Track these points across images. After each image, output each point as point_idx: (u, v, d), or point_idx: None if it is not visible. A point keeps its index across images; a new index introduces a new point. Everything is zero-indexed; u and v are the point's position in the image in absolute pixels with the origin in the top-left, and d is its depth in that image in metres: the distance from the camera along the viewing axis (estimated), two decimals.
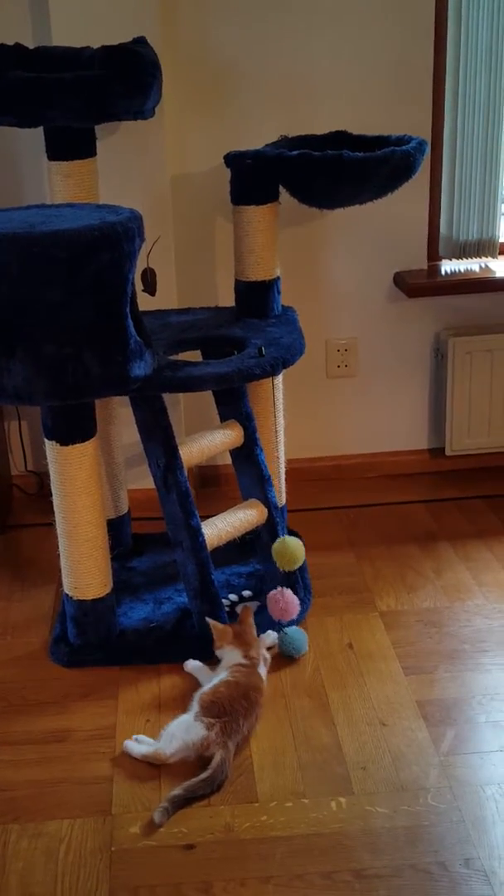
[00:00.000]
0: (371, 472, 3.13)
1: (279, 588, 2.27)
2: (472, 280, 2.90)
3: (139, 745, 1.99)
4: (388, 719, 2.07)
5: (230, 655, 2.14)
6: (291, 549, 2.29)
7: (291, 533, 2.70)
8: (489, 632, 2.35)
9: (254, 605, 2.42)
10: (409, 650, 2.29)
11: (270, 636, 2.28)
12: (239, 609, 2.36)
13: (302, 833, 1.79)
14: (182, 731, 1.95)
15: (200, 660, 2.23)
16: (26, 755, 2.01)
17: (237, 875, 1.71)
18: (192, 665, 2.21)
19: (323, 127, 2.55)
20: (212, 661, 2.20)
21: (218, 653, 2.17)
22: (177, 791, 1.86)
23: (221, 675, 2.09)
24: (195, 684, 2.14)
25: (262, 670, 2.13)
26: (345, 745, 2.00)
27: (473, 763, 1.94)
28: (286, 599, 2.25)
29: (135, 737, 2.01)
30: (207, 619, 2.22)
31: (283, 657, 2.26)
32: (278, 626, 2.28)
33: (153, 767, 1.95)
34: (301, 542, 2.32)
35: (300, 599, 2.39)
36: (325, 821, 1.82)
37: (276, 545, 2.30)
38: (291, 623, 2.29)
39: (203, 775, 1.88)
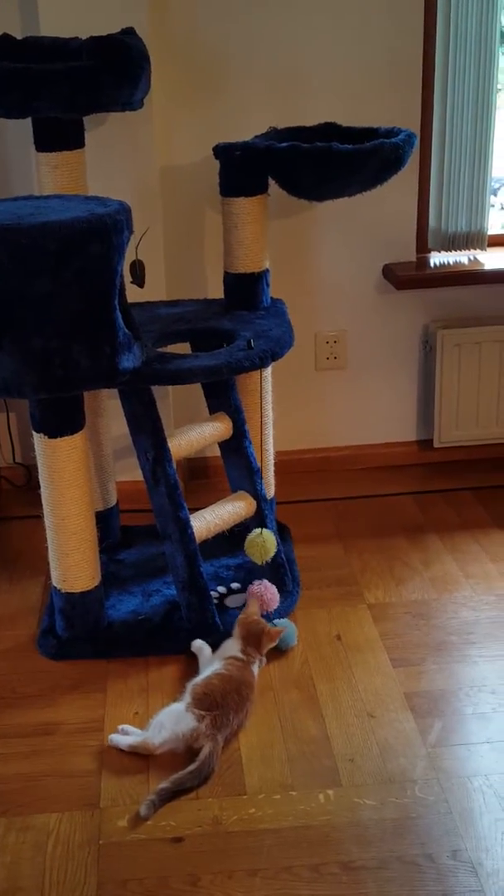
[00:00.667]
0: (359, 464, 3.14)
1: (261, 581, 2.28)
2: (461, 272, 2.90)
3: (125, 737, 1.99)
4: (375, 711, 2.08)
5: (229, 645, 2.14)
6: (266, 540, 2.29)
7: (280, 525, 2.71)
8: (476, 623, 2.36)
9: (241, 597, 2.43)
10: (397, 642, 2.30)
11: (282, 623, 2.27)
12: (233, 601, 2.37)
13: (290, 825, 1.80)
14: (172, 722, 1.95)
15: (189, 652, 2.23)
16: (14, 748, 2.01)
17: (225, 868, 1.72)
18: (198, 644, 2.21)
19: (312, 119, 2.55)
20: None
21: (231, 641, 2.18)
22: (164, 784, 1.86)
23: (216, 665, 2.08)
24: (183, 676, 2.15)
25: (255, 668, 2.12)
26: (333, 737, 2.01)
27: (461, 755, 1.95)
28: (270, 591, 2.26)
29: (121, 727, 2.02)
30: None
31: (273, 650, 2.26)
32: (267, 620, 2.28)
33: (141, 760, 1.95)
34: (273, 536, 2.32)
35: (288, 592, 2.40)
36: (312, 813, 1.83)
37: (252, 536, 2.30)
38: (276, 615, 2.30)
39: (190, 767, 1.88)
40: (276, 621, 2.28)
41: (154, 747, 1.94)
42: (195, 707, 1.96)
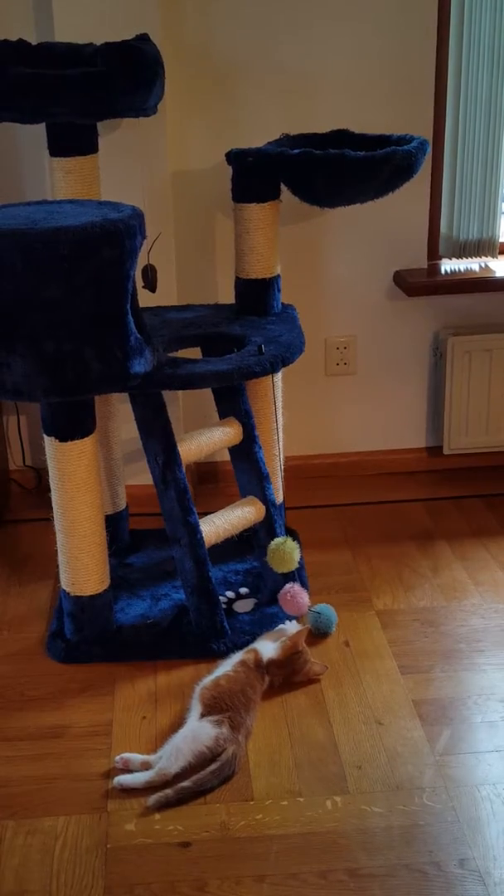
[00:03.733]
0: (369, 470, 3.14)
1: (291, 584, 2.29)
2: (472, 279, 2.90)
3: (136, 776, 1.90)
4: (383, 718, 2.08)
5: (265, 646, 2.16)
6: (288, 551, 2.30)
7: (289, 531, 2.71)
8: (485, 632, 2.36)
9: (250, 602, 2.43)
10: (406, 649, 2.30)
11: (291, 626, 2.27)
12: (242, 606, 2.37)
13: (297, 832, 1.80)
14: (189, 743, 1.91)
15: (197, 656, 2.24)
16: (22, 751, 2.01)
17: (232, 873, 1.72)
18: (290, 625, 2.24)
19: (325, 125, 2.55)
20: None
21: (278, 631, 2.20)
22: (185, 783, 1.85)
23: (225, 667, 2.09)
24: (192, 681, 2.14)
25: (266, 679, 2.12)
26: (340, 743, 2.01)
27: (469, 763, 1.95)
28: (301, 595, 2.29)
29: (120, 758, 1.93)
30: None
31: (311, 636, 2.29)
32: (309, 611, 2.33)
33: (150, 763, 1.95)
34: (297, 547, 2.33)
35: None
36: (320, 819, 1.82)
37: (273, 546, 2.30)
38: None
39: (212, 767, 1.87)
40: (316, 608, 2.32)
41: (170, 776, 1.89)
42: (208, 714, 1.95)
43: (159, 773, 1.89)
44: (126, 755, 1.95)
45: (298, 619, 2.31)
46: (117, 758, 1.95)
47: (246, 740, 1.97)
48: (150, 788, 1.87)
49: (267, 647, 2.15)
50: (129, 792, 1.88)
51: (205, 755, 1.90)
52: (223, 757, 1.89)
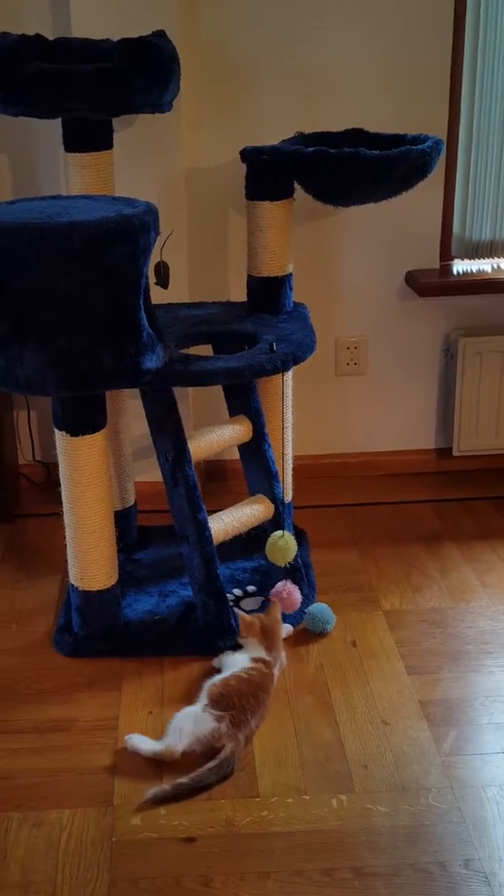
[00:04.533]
0: (378, 470, 3.13)
1: (284, 582, 2.29)
2: (484, 280, 2.90)
3: (147, 743, 1.95)
4: (390, 718, 2.08)
5: (252, 648, 2.14)
6: (281, 545, 2.30)
7: (297, 529, 2.71)
8: (493, 633, 2.35)
9: (257, 599, 2.43)
10: (413, 650, 2.30)
11: (286, 629, 2.28)
12: (249, 604, 2.38)
13: (302, 829, 1.80)
14: (190, 724, 1.94)
15: (204, 653, 2.24)
16: (28, 743, 2.02)
17: (237, 869, 1.72)
18: (218, 659, 2.20)
19: (339, 124, 2.55)
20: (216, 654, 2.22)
21: (241, 642, 2.17)
22: (183, 779, 1.86)
23: (237, 666, 2.08)
24: (199, 677, 2.15)
25: (276, 671, 2.13)
26: (347, 742, 2.01)
27: (475, 764, 1.94)
28: (293, 593, 2.28)
29: (131, 736, 1.98)
30: (237, 609, 2.23)
31: (311, 634, 2.32)
32: (300, 610, 2.33)
33: (156, 760, 1.95)
34: (293, 538, 2.34)
35: (304, 596, 2.40)
36: (325, 818, 1.82)
37: (273, 539, 2.32)
38: (292, 620, 2.32)
39: (210, 764, 1.88)
40: (309, 608, 2.32)
41: (177, 753, 1.92)
42: (212, 708, 1.96)
43: (168, 747, 1.92)
44: (136, 736, 1.98)
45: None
46: (128, 737, 1.98)
47: (247, 741, 1.97)
48: (153, 762, 1.91)
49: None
50: (134, 754, 1.94)
51: (204, 743, 1.91)
52: (222, 754, 1.90)
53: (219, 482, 3.03)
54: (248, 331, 2.40)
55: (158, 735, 2.00)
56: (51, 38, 2.40)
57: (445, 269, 2.95)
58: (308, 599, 2.43)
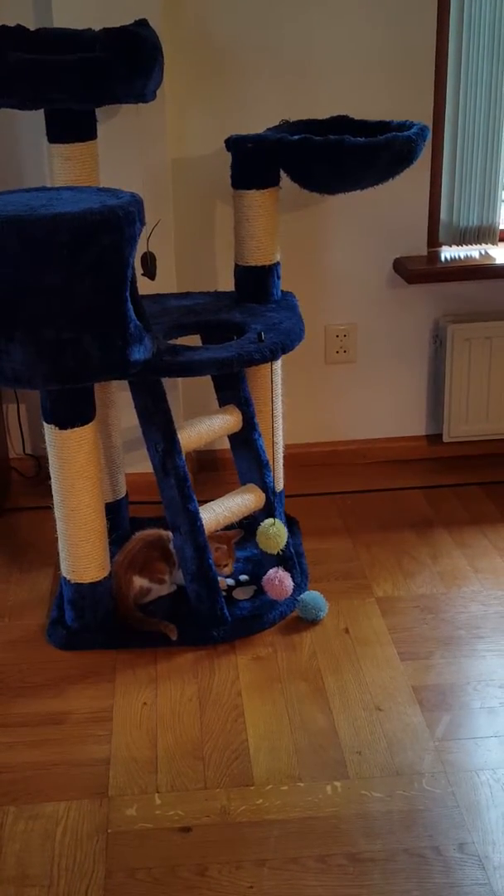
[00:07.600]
0: (369, 457, 3.14)
1: (276, 569, 2.30)
2: (472, 267, 2.90)
3: None
4: (383, 704, 2.08)
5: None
6: (272, 533, 2.31)
7: (288, 518, 2.71)
8: (485, 618, 2.36)
9: (249, 589, 2.44)
10: (406, 636, 2.30)
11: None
12: (242, 593, 2.39)
13: (297, 816, 1.81)
14: None
15: (197, 643, 2.25)
16: (23, 737, 2.02)
17: (233, 858, 1.72)
18: None
19: (324, 111, 2.54)
20: None
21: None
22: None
23: None
24: (192, 667, 2.17)
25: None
26: (340, 729, 2.02)
27: (468, 748, 1.95)
28: (285, 579, 2.30)
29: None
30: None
31: (304, 621, 2.34)
32: (293, 598, 2.36)
33: (150, 751, 1.96)
34: (284, 526, 2.35)
35: (297, 584, 2.40)
36: (320, 804, 1.83)
37: (264, 527, 2.32)
38: (296, 596, 2.36)
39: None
40: (301, 596, 2.34)
41: None
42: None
43: None
44: None
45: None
46: None
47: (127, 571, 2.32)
48: (148, 754, 1.93)
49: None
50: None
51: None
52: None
53: (210, 472, 3.03)
54: (237, 320, 2.39)
55: (153, 727, 2.01)
56: (32, 28, 2.39)
57: (433, 255, 2.95)
58: (300, 587, 2.43)
